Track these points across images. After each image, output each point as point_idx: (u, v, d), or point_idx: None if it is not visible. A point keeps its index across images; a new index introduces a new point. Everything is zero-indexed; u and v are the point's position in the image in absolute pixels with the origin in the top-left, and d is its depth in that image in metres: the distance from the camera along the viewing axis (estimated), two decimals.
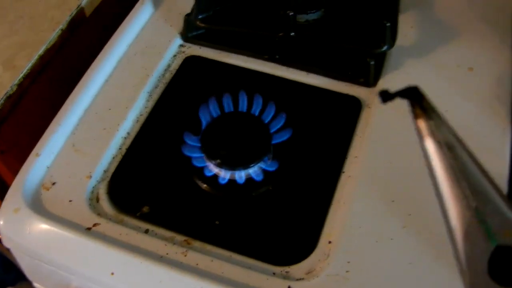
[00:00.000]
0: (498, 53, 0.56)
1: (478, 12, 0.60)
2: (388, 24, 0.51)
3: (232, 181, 0.48)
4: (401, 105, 0.51)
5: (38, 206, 0.48)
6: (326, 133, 0.51)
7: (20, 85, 0.55)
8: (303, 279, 0.44)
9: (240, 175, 0.47)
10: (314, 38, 0.53)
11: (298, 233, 0.46)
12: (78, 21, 0.59)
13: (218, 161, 0.47)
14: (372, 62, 0.51)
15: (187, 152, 0.49)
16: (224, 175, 0.48)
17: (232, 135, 0.49)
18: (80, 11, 0.60)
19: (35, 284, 0.54)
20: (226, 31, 0.55)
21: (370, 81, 0.52)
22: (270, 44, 0.54)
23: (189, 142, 0.49)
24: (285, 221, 0.47)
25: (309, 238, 0.45)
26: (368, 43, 0.52)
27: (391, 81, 0.53)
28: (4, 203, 0.49)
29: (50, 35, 0.57)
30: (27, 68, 0.55)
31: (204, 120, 0.50)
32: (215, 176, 0.48)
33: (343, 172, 0.48)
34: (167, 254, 0.45)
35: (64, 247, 0.47)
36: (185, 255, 0.45)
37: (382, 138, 0.50)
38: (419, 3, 0.59)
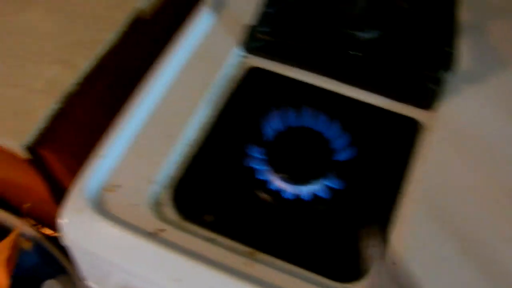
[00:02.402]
0: None
1: None
2: (450, 51, 0.52)
3: (295, 196, 0.49)
4: (461, 130, 0.53)
5: (101, 208, 0.49)
6: (385, 153, 0.52)
7: (79, 84, 0.55)
8: None
9: (305, 191, 0.49)
10: (378, 57, 0.54)
11: (359, 251, 0.48)
12: (138, 23, 0.59)
13: (284, 175, 0.48)
14: (432, 86, 0.53)
15: (251, 164, 0.50)
16: (289, 189, 0.49)
17: (297, 150, 0.50)
18: (140, 12, 0.60)
19: (91, 284, 0.54)
20: (288, 45, 0.56)
21: (429, 104, 0.53)
22: (331, 60, 0.55)
23: (253, 154, 0.50)
24: (346, 238, 0.48)
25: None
26: (429, 67, 0.53)
27: (449, 105, 0.54)
28: (68, 203, 0.50)
29: (109, 35, 0.57)
30: (86, 67, 0.55)
31: (268, 133, 0.51)
32: (279, 190, 0.49)
33: (403, 194, 0.50)
34: (233, 264, 0.46)
35: (128, 250, 0.48)
36: (251, 267, 0.46)
37: (442, 161, 0.51)
38: (475, 28, 0.61)
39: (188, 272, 0.46)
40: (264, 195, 0.50)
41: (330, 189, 0.49)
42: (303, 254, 0.47)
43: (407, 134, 0.53)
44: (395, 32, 0.57)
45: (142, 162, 0.51)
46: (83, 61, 0.56)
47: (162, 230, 0.48)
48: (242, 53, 0.57)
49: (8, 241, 0.64)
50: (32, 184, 0.60)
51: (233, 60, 0.57)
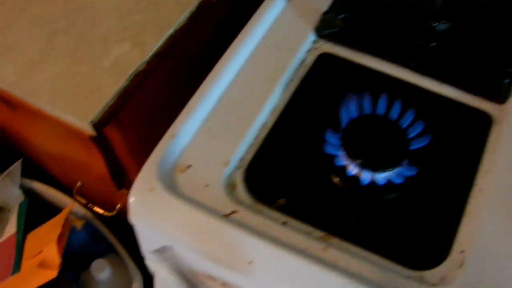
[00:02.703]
0: None
1: None
2: None
3: (369, 181, 0.49)
4: None
5: (173, 188, 0.49)
6: (457, 144, 0.52)
7: (148, 63, 0.55)
8: (437, 285, 0.45)
9: (380, 177, 0.48)
10: (452, 49, 0.54)
11: (431, 240, 0.47)
12: (205, 5, 0.59)
13: (360, 161, 0.48)
14: (507, 80, 0.53)
15: (326, 148, 0.50)
16: (365, 176, 0.48)
17: (372, 137, 0.50)
18: None
19: (150, 264, 0.54)
20: (362, 33, 0.56)
21: (502, 98, 0.52)
22: (406, 51, 0.55)
23: (328, 139, 0.50)
24: (419, 226, 0.48)
25: (442, 246, 0.46)
26: (505, 62, 0.53)
27: None
28: (138, 181, 0.49)
29: (177, 16, 0.57)
30: (156, 47, 0.55)
31: (344, 119, 0.50)
32: (353, 175, 0.49)
33: (475, 185, 0.49)
34: (307, 248, 0.45)
35: (200, 231, 0.48)
36: (325, 251, 0.46)
37: None
38: None
39: (261, 255, 0.45)
40: (337, 180, 0.49)
41: (404, 176, 0.49)
42: (377, 240, 0.46)
43: (479, 126, 0.52)
44: (471, 25, 0.56)
45: (215, 143, 0.50)
46: (154, 41, 0.56)
47: (235, 212, 0.47)
48: (314, 38, 0.57)
49: (59, 219, 0.64)
50: (92, 162, 0.60)
51: (306, 46, 0.57)
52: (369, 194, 0.49)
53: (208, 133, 0.51)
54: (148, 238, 0.52)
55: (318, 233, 0.46)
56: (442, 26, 0.56)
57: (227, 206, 0.48)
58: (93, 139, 0.55)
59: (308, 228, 0.47)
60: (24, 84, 0.55)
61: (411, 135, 0.50)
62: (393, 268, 0.45)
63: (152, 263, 0.55)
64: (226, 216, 0.47)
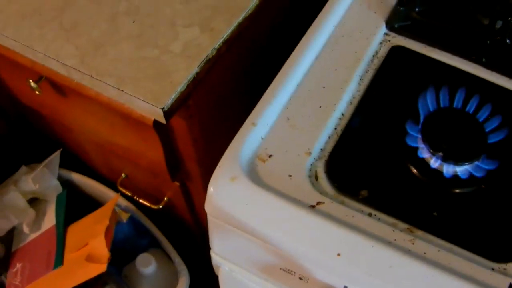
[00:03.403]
0: None
1: None
2: None
3: (452, 174, 0.49)
4: None
5: (256, 177, 0.48)
6: None
7: (218, 49, 0.53)
8: None
9: (462, 170, 0.48)
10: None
11: None
12: None
13: (442, 154, 0.48)
14: None
15: (407, 141, 0.49)
16: (447, 169, 0.48)
17: (452, 130, 0.50)
18: None
19: (217, 258, 0.53)
20: (433, 27, 0.56)
21: None
22: (478, 46, 0.55)
23: (409, 131, 0.49)
24: (500, 219, 0.48)
25: None
26: None
27: None
28: (218, 170, 0.48)
29: (247, 3, 0.55)
30: (226, 33, 0.53)
31: (424, 111, 0.50)
32: (434, 168, 0.49)
33: None
34: (395, 240, 0.45)
35: (285, 222, 0.46)
36: (413, 243, 0.45)
37: None
38: None
39: (349, 246, 0.45)
40: (418, 173, 0.49)
41: (484, 169, 0.49)
42: (460, 233, 0.46)
43: None
44: None
45: (295, 133, 0.50)
46: (224, 27, 0.54)
47: (320, 203, 0.47)
48: (386, 30, 0.57)
49: (105, 210, 0.62)
50: (148, 151, 0.58)
51: (379, 38, 0.56)
52: (450, 187, 0.49)
53: (287, 122, 0.50)
54: (224, 230, 0.50)
55: (402, 225, 0.46)
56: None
57: (312, 197, 0.47)
58: (157, 127, 0.53)
59: (393, 220, 0.46)
60: (85, 67, 0.52)
61: (489, 129, 0.51)
62: (477, 260, 0.45)
63: (219, 257, 0.54)
64: (312, 207, 0.46)
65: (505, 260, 0.45)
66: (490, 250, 0.46)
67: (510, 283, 0.45)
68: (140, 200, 0.66)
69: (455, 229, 0.47)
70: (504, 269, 0.45)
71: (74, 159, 0.73)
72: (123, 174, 0.67)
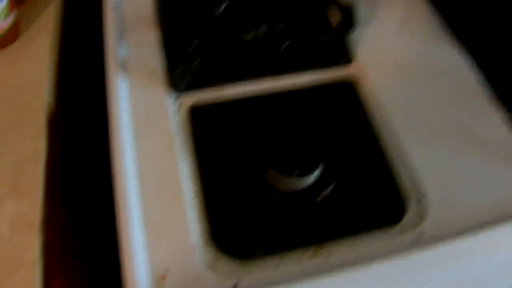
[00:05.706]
0: None
1: None
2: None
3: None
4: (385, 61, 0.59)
5: None
6: (347, 122, 0.56)
7: None
8: (417, 224, 0.49)
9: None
10: (295, 47, 0.58)
11: (387, 203, 0.51)
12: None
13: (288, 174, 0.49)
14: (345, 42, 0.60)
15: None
16: (294, 185, 0.50)
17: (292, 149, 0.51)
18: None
19: None
20: (215, 68, 0.57)
21: (349, 57, 0.59)
22: (251, 64, 0.58)
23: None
24: (370, 201, 0.51)
25: (396, 200, 0.51)
26: (339, 30, 0.60)
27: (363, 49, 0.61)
28: None
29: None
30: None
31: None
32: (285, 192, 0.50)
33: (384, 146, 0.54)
34: (319, 266, 0.46)
35: None
36: (330, 257, 0.47)
37: (392, 92, 0.56)
38: None
39: None
40: (275, 201, 0.50)
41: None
42: (351, 224, 0.49)
43: (348, 95, 0.57)
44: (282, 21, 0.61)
45: (169, 236, 0.47)
46: None
47: (238, 282, 0.45)
48: (176, 94, 0.56)
49: None
50: None
51: (173, 106, 0.56)
52: (306, 199, 0.51)
53: (156, 231, 0.47)
54: None
55: (309, 251, 0.47)
56: (263, 29, 0.59)
57: (225, 282, 0.45)
58: None
59: (300, 252, 0.47)
60: None
61: None
62: (378, 235, 0.49)
63: None
64: None
65: (396, 222, 0.50)
66: (383, 221, 0.50)
67: None
68: None
69: (345, 224, 0.50)
70: (401, 227, 0.49)
71: None
72: None
